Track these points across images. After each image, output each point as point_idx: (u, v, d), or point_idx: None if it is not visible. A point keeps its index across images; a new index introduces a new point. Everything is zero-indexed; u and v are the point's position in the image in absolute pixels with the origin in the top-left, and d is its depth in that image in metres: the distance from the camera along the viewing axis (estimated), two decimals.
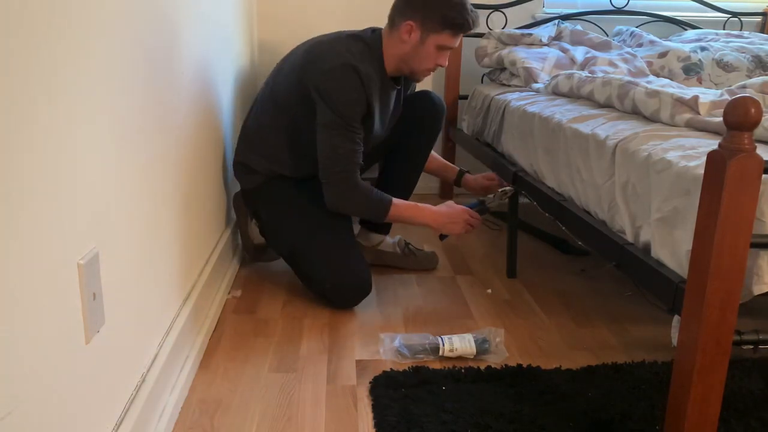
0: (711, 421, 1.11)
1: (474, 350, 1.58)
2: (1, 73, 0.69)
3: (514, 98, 2.22)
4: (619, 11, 2.97)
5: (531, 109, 2.00)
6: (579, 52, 2.51)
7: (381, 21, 2.76)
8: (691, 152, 1.25)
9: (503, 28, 2.87)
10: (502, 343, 1.61)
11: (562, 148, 1.72)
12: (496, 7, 2.90)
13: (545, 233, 2.51)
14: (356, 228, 2.09)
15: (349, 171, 1.79)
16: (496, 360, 1.58)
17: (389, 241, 2.18)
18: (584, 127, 1.64)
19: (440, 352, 1.58)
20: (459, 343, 1.58)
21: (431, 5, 1.76)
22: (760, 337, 1.11)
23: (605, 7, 2.98)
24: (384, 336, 1.64)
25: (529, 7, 2.97)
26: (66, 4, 0.85)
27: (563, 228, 1.70)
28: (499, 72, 2.64)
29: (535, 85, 2.31)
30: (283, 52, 2.86)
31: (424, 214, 1.89)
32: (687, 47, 2.54)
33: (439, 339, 1.60)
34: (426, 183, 3.04)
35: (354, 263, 1.87)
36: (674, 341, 1.15)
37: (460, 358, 1.58)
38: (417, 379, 1.46)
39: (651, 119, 1.56)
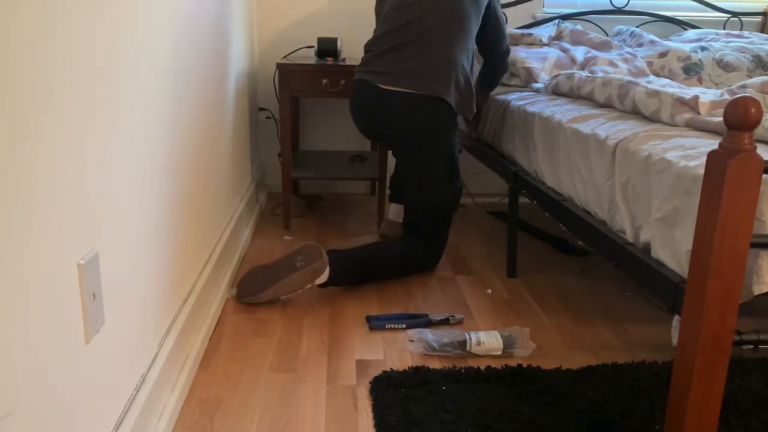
0: (711, 421, 1.11)
1: (501, 345, 1.59)
2: (2, 73, 0.69)
3: (514, 98, 2.22)
4: (619, 11, 2.97)
5: (531, 109, 2.00)
6: (579, 52, 2.51)
7: None
8: (691, 152, 1.25)
9: None
10: (528, 339, 1.63)
11: (562, 148, 1.72)
12: None
13: (545, 233, 2.51)
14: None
15: None
16: (523, 354, 1.59)
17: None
18: (584, 127, 1.64)
19: (468, 347, 1.59)
20: (486, 338, 1.60)
21: None
22: (760, 337, 1.11)
23: (605, 7, 2.98)
24: (411, 331, 1.66)
25: (529, 7, 2.97)
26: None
27: (563, 228, 1.70)
28: None
29: (535, 85, 2.31)
30: (283, 52, 2.87)
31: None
32: (687, 47, 2.54)
33: (467, 334, 1.62)
34: None
35: None
36: (674, 341, 1.15)
37: (488, 354, 1.59)
38: (417, 379, 1.46)
39: (651, 119, 1.56)
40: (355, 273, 1.99)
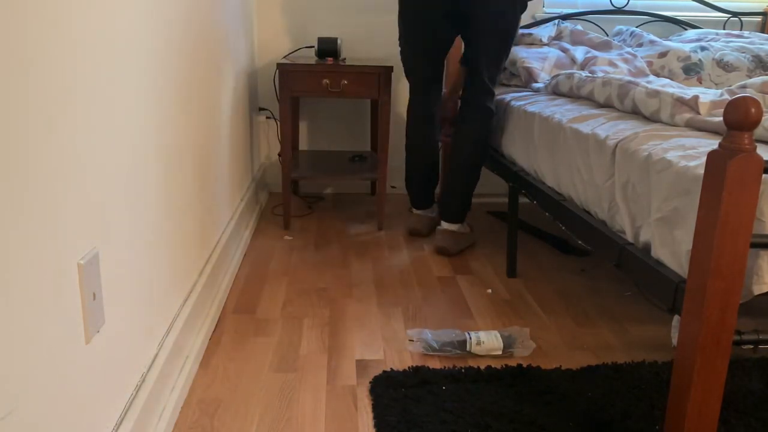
0: (711, 421, 1.11)
1: (501, 345, 1.59)
2: (2, 75, 0.69)
3: (514, 98, 2.22)
4: (619, 11, 2.97)
5: (531, 109, 2.00)
6: (579, 52, 2.51)
7: (380, 22, 2.76)
8: (691, 152, 1.25)
9: None
10: (528, 339, 1.63)
11: (562, 148, 1.72)
12: None
13: (545, 233, 2.51)
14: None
15: None
16: (523, 354, 1.59)
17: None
18: (584, 127, 1.64)
19: (468, 347, 1.59)
20: (486, 338, 1.60)
21: None
22: (760, 337, 1.11)
23: (605, 7, 2.98)
24: (411, 331, 1.66)
25: (529, 7, 2.95)
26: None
27: (563, 228, 1.70)
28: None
29: (535, 85, 2.31)
30: (283, 52, 2.87)
31: None
32: (687, 47, 2.54)
33: (467, 334, 1.62)
34: None
35: None
36: (674, 341, 1.15)
37: (488, 354, 1.59)
38: (417, 379, 1.46)
39: (651, 119, 1.56)
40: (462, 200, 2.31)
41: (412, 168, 2.46)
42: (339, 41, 2.57)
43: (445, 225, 2.34)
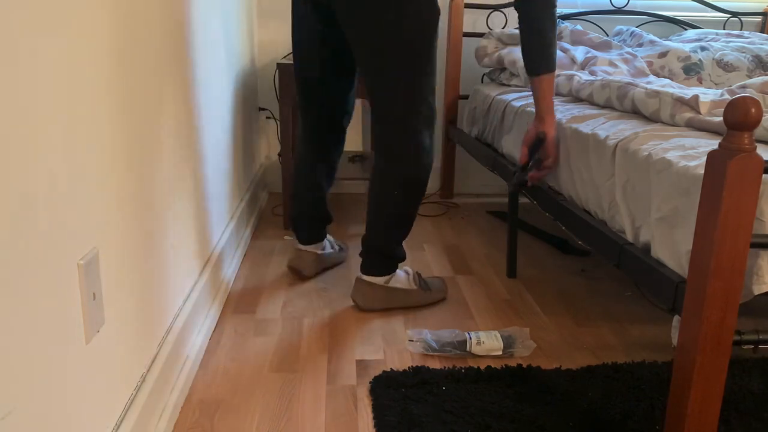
0: (711, 421, 1.11)
1: (501, 345, 1.59)
2: (3, 76, 0.69)
3: (514, 98, 2.23)
4: (619, 11, 2.97)
5: (531, 108, 2.00)
6: (579, 52, 2.51)
7: None
8: (692, 152, 1.26)
9: (503, 28, 2.87)
10: (528, 339, 1.63)
11: (562, 148, 1.72)
12: (496, 7, 2.90)
13: (545, 233, 2.51)
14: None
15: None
16: (523, 354, 1.59)
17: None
18: (584, 127, 1.64)
19: (468, 347, 1.59)
20: (486, 338, 1.60)
21: None
22: (760, 337, 1.11)
23: (605, 7, 2.98)
24: (411, 331, 1.66)
25: None
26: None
27: (563, 228, 1.70)
28: (499, 72, 2.65)
29: None
30: (284, 52, 2.87)
31: None
32: (687, 47, 2.54)
33: (467, 334, 1.62)
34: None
35: None
36: (674, 341, 1.15)
37: (488, 354, 1.59)
38: (417, 379, 1.46)
39: (651, 119, 1.56)
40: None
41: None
42: None
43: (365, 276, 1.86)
